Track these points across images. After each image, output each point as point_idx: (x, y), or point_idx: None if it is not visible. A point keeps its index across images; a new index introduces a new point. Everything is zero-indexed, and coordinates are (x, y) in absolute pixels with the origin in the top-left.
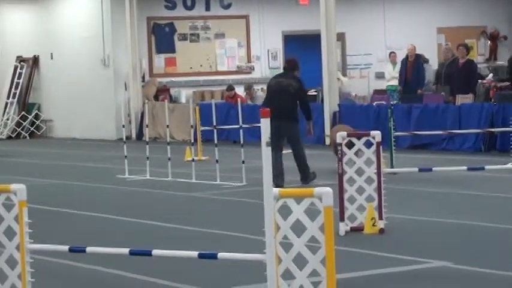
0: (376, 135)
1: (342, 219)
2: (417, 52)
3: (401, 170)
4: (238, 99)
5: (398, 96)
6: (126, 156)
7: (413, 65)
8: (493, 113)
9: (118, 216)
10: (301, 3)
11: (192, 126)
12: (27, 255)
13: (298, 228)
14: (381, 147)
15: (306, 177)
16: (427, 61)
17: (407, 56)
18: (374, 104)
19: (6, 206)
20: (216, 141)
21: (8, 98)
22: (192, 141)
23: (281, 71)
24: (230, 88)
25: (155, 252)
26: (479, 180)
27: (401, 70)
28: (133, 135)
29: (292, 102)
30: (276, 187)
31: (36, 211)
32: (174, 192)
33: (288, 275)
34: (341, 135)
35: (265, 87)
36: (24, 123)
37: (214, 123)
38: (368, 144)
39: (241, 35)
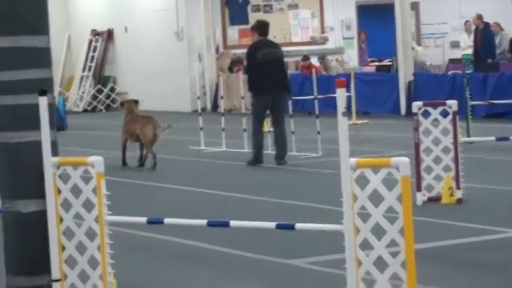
0: (453, 104)
1: (419, 189)
2: (492, 20)
3: (478, 139)
4: (313, 70)
5: (470, 66)
6: (201, 128)
7: (482, 34)
8: None
9: (195, 187)
10: None
11: None
12: (106, 227)
13: (376, 198)
14: (457, 116)
15: (284, 155)
16: (502, 29)
17: (476, 26)
18: (449, 73)
19: (84, 179)
20: (291, 112)
21: (83, 71)
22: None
23: (354, 40)
24: (305, 58)
25: (233, 223)
26: None
27: (473, 40)
28: (208, 107)
29: (286, 73)
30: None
31: (113, 183)
32: (241, 163)
33: (366, 245)
34: (417, 105)
35: (339, 58)
36: (100, 96)
37: (289, 94)
38: (444, 114)
39: (314, 5)
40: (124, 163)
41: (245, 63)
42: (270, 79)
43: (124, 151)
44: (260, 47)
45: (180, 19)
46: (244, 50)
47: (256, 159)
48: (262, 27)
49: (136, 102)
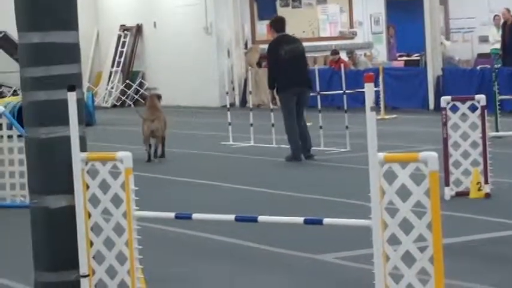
0: (481, 99)
1: (447, 183)
2: None
3: (506, 134)
4: (342, 65)
5: (498, 60)
6: (230, 123)
7: (510, 29)
8: None
9: (223, 182)
10: None
11: None
12: (134, 223)
13: (404, 193)
14: (485, 111)
15: (310, 148)
16: None
17: (505, 21)
18: (478, 68)
19: (112, 174)
20: (319, 107)
21: (112, 66)
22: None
23: (382, 34)
24: (335, 52)
25: (261, 218)
26: None
27: (502, 35)
28: (237, 102)
29: (308, 68)
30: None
31: (142, 178)
32: (278, 158)
33: (393, 240)
34: (445, 99)
35: (368, 53)
36: (129, 92)
37: (318, 89)
38: (472, 108)
39: (343, 0)
40: (148, 159)
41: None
42: (295, 75)
43: (148, 146)
44: (281, 43)
45: (208, 14)
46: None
47: (295, 156)
48: (278, 23)
49: (159, 97)
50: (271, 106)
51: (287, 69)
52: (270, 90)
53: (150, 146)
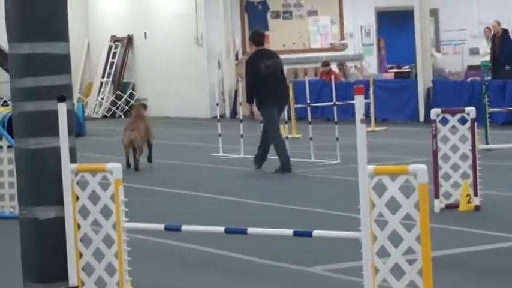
0: (471, 111)
1: (436, 196)
2: (511, 28)
3: (496, 147)
4: (332, 76)
5: (488, 73)
6: (220, 135)
7: (500, 41)
8: None
9: (213, 194)
10: None
11: None
12: (124, 234)
13: (393, 205)
14: (475, 123)
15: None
16: None
17: (495, 33)
18: (468, 80)
19: (102, 185)
20: (309, 119)
21: (103, 77)
22: (286, 119)
23: (373, 46)
24: (326, 64)
25: (250, 230)
26: None
27: (492, 47)
28: (227, 114)
29: (287, 82)
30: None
31: (131, 189)
32: (268, 170)
33: (383, 253)
34: (435, 112)
35: (359, 65)
36: (119, 103)
37: (308, 101)
38: (462, 121)
39: (334, 12)
40: (127, 165)
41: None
42: (276, 90)
43: (127, 155)
44: (261, 57)
45: (199, 25)
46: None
47: (285, 167)
48: (258, 37)
49: (145, 106)
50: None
51: (268, 83)
52: (249, 105)
53: (129, 155)
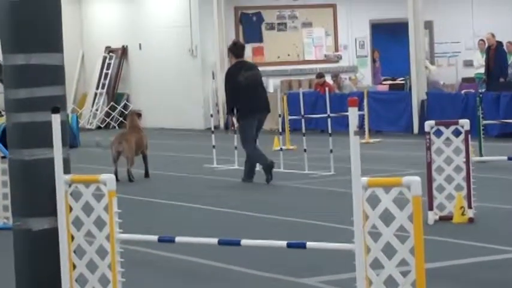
0: (465, 123)
1: (430, 208)
2: (505, 40)
3: (490, 159)
4: (326, 88)
5: (482, 85)
6: (214, 146)
7: (494, 53)
8: None
9: (207, 205)
10: None
11: (279, 116)
12: (117, 245)
13: (387, 217)
14: (469, 135)
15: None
16: None
17: (489, 45)
18: (462, 93)
19: (96, 196)
20: (303, 131)
21: (97, 88)
22: (280, 130)
23: (367, 58)
24: (320, 76)
25: (244, 242)
26: None
27: (486, 59)
28: (221, 125)
29: (266, 94)
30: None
31: (125, 201)
32: (262, 181)
33: (376, 265)
34: (429, 124)
35: (353, 76)
36: (113, 114)
37: (302, 113)
38: (456, 133)
39: (328, 24)
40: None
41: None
42: (256, 101)
43: (115, 166)
44: (240, 69)
45: (194, 37)
46: (259, 68)
47: (269, 165)
48: (238, 49)
49: (139, 115)
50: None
51: (247, 95)
52: (229, 116)
53: (117, 168)
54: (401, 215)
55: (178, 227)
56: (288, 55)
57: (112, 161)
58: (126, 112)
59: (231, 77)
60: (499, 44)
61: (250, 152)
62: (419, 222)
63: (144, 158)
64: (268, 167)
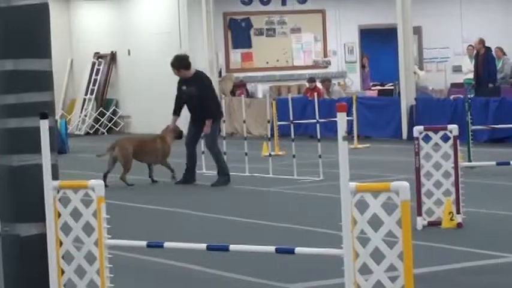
0: (453, 129)
1: (419, 213)
2: (494, 45)
3: (479, 164)
4: (315, 94)
5: (471, 90)
6: (203, 152)
7: (483, 59)
8: None
9: (196, 211)
10: None
11: (268, 121)
12: (106, 251)
13: (375, 222)
14: (458, 141)
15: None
16: (504, 54)
17: (477, 50)
18: (451, 98)
19: (84, 202)
20: (292, 136)
21: (86, 94)
22: (269, 136)
23: (356, 64)
24: (311, 80)
25: (232, 247)
26: None
27: (475, 65)
28: None
29: None
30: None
31: (114, 206)
32: (251, 187)
33: (365, 270)
34: (418, 129)
35: (342, 82)
36: (102, 120)
37: (291, 118)
38: (445, 138)
39: (317, 29)
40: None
41: (207, 91)
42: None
43: (107, 172)
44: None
45: (183, 42)
46: (247, 74)
47: (226, 173)
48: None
49: (179, 135)
50: (245, 134)
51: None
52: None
53: (106, 174)
54: (389, 220)
55: (167, 232)
56: (277, 61)
57: (108, 165)
58: (115, 118)
59: (211, 84)
60: (488, 49)
61: (219, 153)
62: (407, 227)
63: (166, 164)
64: (225, 174)
